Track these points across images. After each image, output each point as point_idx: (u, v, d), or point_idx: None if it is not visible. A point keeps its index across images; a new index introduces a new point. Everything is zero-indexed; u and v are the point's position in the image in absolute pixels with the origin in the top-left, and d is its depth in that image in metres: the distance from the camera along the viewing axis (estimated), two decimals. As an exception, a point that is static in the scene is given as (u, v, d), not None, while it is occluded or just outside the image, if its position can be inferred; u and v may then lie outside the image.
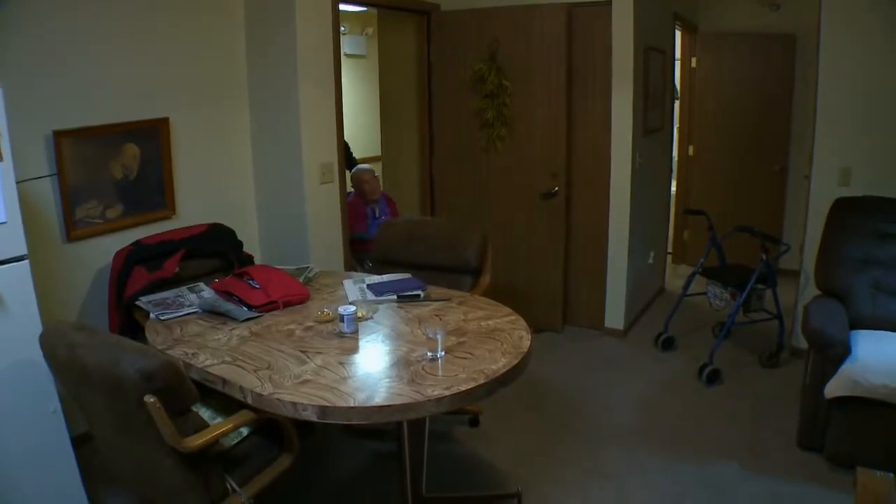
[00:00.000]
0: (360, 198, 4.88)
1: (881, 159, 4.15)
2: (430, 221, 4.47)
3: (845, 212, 3.88)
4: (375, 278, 3.41)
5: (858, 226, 3.79)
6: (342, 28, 7.03)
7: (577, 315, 4.99)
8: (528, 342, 2.63)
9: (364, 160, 7.18)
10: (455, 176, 5.00)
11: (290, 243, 4.20)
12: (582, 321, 4.91)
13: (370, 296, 3.17)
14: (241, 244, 3.79)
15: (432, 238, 3.76)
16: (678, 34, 6.08)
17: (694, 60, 6.47)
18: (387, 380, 2.33)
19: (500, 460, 3.44)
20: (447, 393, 2.22)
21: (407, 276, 3.40)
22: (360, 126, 6.88)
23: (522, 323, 2.84)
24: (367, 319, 2.87)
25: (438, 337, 2.49)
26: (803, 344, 4.31)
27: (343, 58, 7.24)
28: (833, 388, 3.27)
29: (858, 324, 3.62)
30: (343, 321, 2.72)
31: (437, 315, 2.93)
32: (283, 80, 3.96)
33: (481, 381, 2.31)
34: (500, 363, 2.44)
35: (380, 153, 5.65)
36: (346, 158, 4.46)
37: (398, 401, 2.17)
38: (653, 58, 4.95)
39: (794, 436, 3.55)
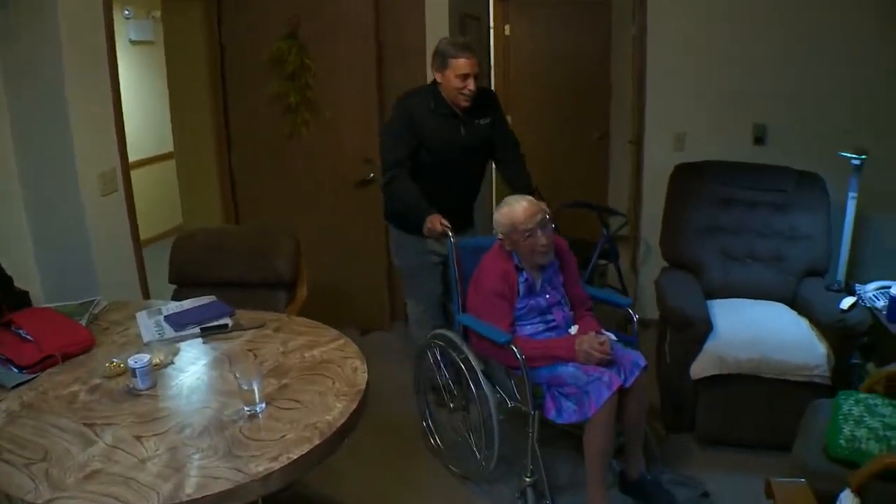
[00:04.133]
0: (507, 257, 2.73)
1: (715, 123, 4.02)
2: (231, 230, 3.80)
3: (687, 179, 3.67)
4: (174, 306, 2.74)
5: (701, 192, 3.60)
6: (126, 12, 6.20)
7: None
8: (364, 374, 2.14)
9: (156, 158, 6.33)
10: (258, 170, 4.34)
11: (73, 271, 3.34)
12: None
13: (169, 331, 2.51)
14: (9, 280, 2.90)
15: (236, 249, 3.14)
16: (491, 1, 5.74)
17: (507, 28, 6.18)
18: (198, 455, 1.74)
19: (353, 498, 2.95)
20: (276, 466, 1.69)
21: (210, 299, 2.77)
22: (157, 121, 5.97)
23: (353, 348, 2.33)
24: (166, 366, 2.23)
25: (255, 386, 1.92)
26: (649, 314, 4.18)
27: (129, 45, 6.35)
28: (699, 369, 3.03)
29: (711, 293, 3.43)
30: (136, 375, 2.08)
31: (250, 350, 2.34)
32: (44, 76, 3.10)
33: (316, 440, 1.79)
34: (335, 410, 1.92)
35: (173, 150, 4.84)
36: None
37: (216, 486, 1.62)
38: (469, 26, 4.55)
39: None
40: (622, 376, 2.52)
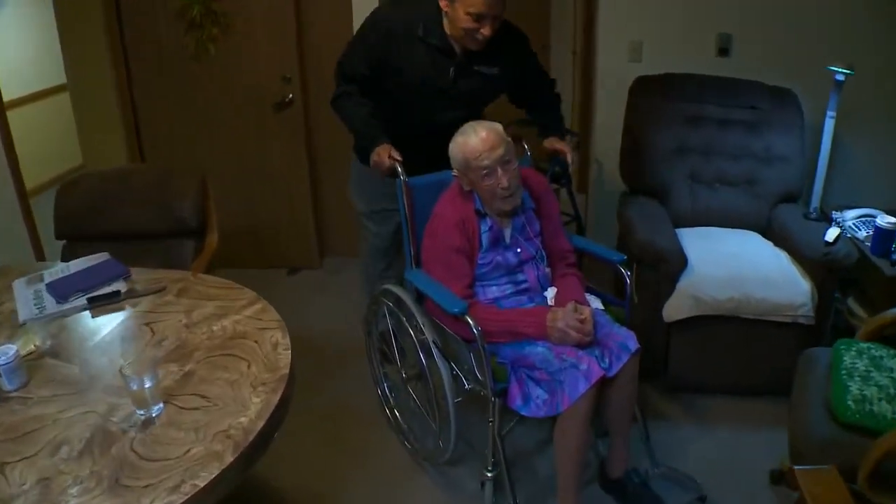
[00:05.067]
0: (467, 199, 2.24)
1: (675, 31, 3.58)
2: (126, 171, 3.17)
3: (649, 94, 3.26)
4: (60, 269, 2.24)
5: (667, 109, 3.19)
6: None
7: (335, 243, 4.10)
8: (287, 352, 1.72)
9: (46, 93, 5.54)
10: (163, 97, 3.74)
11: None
12: (342, 249, 4.01)
13: (51, 304, 2.03)
14: None
15: (133, 194, 2.62)
16: None
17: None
18: (76, 489, 1.32)
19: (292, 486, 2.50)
20: (177, 501, 1.26)
21: (103, 257, 2.27)
22: (44, 51, 5.16)
23: (272, 314, 1.92)
24: (41, 355, 1.77)
25: (147, 386, 1.48)
26: (602, 241, 3.82)
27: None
28: (672, 310, 2.71)
29: (678, 222, 3.09)
30: (1, 375, 1.61)
31: (147, 324, 1.88)
32: None
33: (229, 456, 1.37)
34: (252, 408, 1.51)
35: (66, 81, 4.16)
36: None
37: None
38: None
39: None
40: (606, 362, 2.01)
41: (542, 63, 2.70)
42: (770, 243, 2.97)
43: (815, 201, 3.14)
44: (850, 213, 3.09)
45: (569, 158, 2.48)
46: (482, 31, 2.25)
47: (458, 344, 2.13)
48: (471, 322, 1.96)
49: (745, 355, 2.78)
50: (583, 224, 3.95)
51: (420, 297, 2.34)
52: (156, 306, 1.98)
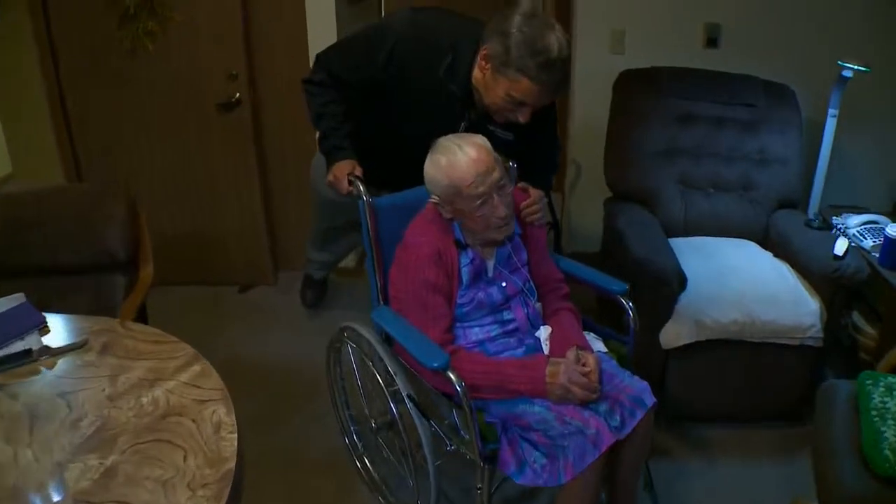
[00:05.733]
0: (444, 227, 1.89)
1: (660, 20, 3.30)
2: (42, 193, 2.61)
3: (636, 89, 2.97)
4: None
5: (656, 107, 2.91)
6: None
7: (292, 256, 3.70)
8: (233, 435, 1.39)
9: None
10: (97, 98, 3.33)
11: None
12: (299, 262, 3.58)
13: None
14: None
15: (51, 221, 2.24)
16: None
17: None
18: None
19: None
20: None
21: (16, 299, 1.91)
22: None
23: (213, 379, 1.57)
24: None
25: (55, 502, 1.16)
26: (580, 246, 3.61)
27: None
28: (672, 337, 2.44)
29: (669, 231, 2.83)
30: None
31: (60, 396, 1.54)
32: None
33: None
34: (189, 524, 1.18)
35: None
36: None
37: None
38: None
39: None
40: (617, 419, 1.71)
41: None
42: (769, 254, 2.74)
43: (814, 206, 2.91)
44: (854, 220, 2.86)
45: (533, 212, 2.04)
46: (519, 116, 1.92)
47: (438, 398, 1.82)
48: (454, 378, 1.64)
49: (748, 381, 2.55)
50: (559, 230, 3.67)
51: (389, 337, 2.00)
52: (75, 368, 1.64)
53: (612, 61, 3.27)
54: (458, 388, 1.63)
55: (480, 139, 1.75)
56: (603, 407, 1.71)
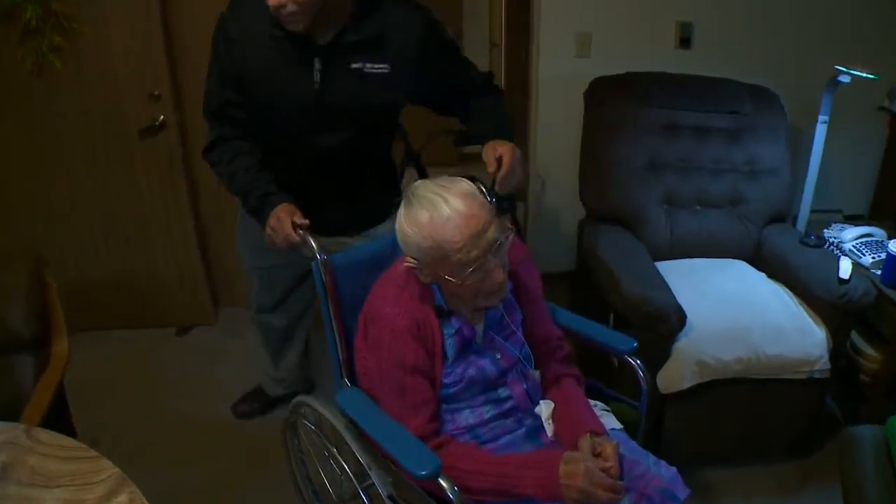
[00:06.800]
0: (422, 292, 1.53)
1: (628, 19, 3.02)
2: None
3: (611, 98, 2.70)
4: None
5: (635, 118, 2.64)
6: None
7: (233, 293, 3.32)
8: None
9: None
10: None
11: None
12: (241, 298, 3.11)
13: None
14: None
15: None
16: None
17: None
18: None
19: None
20: None
21: None
22: None
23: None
24: None
25: None
26: (550, 267, 3.36)
27: None
28: (671, 381, 2.18)
29: (654, 254, 2.58)
30: None
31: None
32: None
33: None
34: None
35: None
36: None
37: None
38: None
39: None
40: None
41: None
42: (762, 275, 2.51)
43: (804, 219, 2.71)
44: (848, 234, 2.64)
45: (514, 171, 1.72)
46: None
47: (423, 499, 1.49)
48: (446, 486, 1.33)
49: (750, 419, 2.33)
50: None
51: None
52: (-37, 501, 1.28)
53: (577, 66, 3.00)
54: (453, 497, 1.32)
55: (467, 185, 1.41)
56: (624, 499, 1.42)
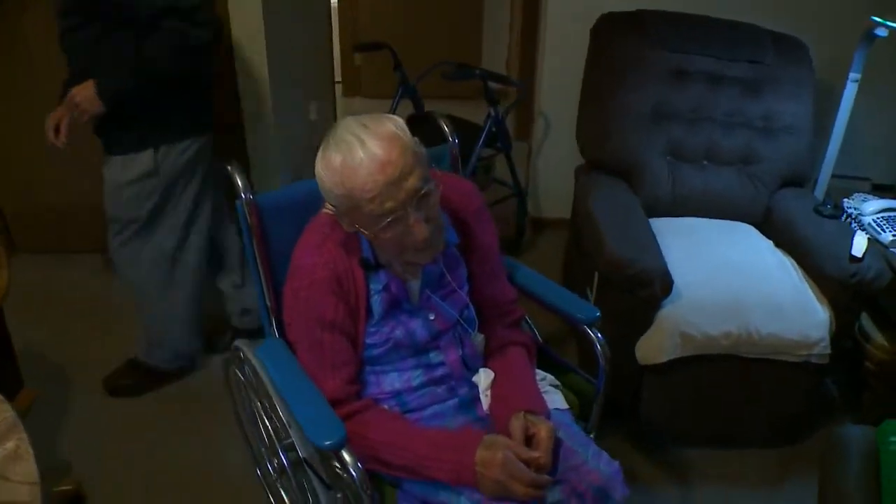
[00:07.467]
0: (347, 241, 1.33)
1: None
2: None
3: (619, 38, 2.44)
4: None
5: (643, 60, 2.38)
6: None
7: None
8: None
9: None
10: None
11: None
12: None
13: None
14: None
15: None
16: None
17: None
18: None
19: None
20: None
21: None
22: None
23: (28, 467, 1.10)
24: None
25: None
26: (545, 212, 3.16)
27: None
28: (650, 352, 2.00)
29: (651, 209, 2.37)
30: None
31: None
32: None
33: None
34: None
35: None
36: None
37: None
38: None
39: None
40: None
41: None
42: (770, 242, 2.28)
43: (823, 186, 2.46)
44: (869, 206, 2.38)
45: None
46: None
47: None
48: (348, 461, 1.16)
49: (735, 401, 2.14)
50: (525, 199, 3.19)
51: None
52: None
53: (587, 2, 2.74)
54: (354, 474, 1.16)
55: (393, 125, 1.18)
56: (555, 496, 1.24)
